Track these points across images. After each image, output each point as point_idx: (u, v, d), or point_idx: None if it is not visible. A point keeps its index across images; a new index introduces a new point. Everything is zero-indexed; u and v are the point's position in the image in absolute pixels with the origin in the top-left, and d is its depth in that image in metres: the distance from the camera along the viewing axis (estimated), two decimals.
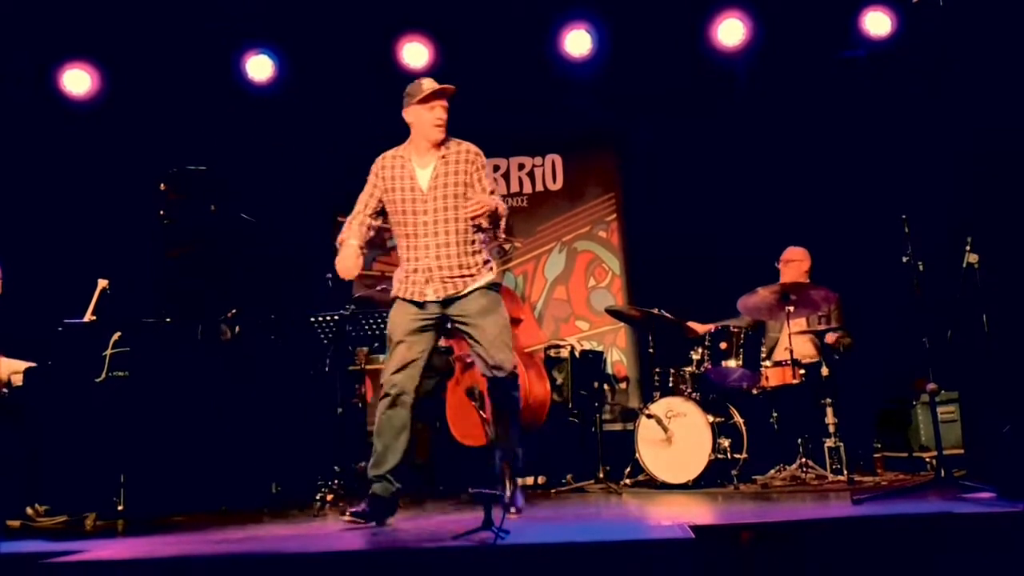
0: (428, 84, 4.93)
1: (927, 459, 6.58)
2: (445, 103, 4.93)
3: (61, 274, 7.15)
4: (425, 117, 4.90)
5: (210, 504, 6.14)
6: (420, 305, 4.86)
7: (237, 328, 6.18)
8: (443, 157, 4.94)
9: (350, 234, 4.94)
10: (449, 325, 4.96)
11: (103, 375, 5.54)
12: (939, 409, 6.11)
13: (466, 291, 4.84)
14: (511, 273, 8.02)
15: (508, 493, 4.72)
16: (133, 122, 7.95)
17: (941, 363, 5.27)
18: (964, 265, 5.33)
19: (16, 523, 5.54)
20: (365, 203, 5.00)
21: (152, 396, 5.65)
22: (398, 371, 4.85)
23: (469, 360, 6.48)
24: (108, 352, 5.56)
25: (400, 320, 4.89)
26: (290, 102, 8.05)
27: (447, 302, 4.85)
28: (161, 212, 6.05)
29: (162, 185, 6.02)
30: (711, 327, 6.72)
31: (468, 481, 6.50)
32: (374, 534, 4.43)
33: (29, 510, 5.66)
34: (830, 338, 6.47)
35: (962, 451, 6.57)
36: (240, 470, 6.30)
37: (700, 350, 6.66)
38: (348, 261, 4.82)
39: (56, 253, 7.61)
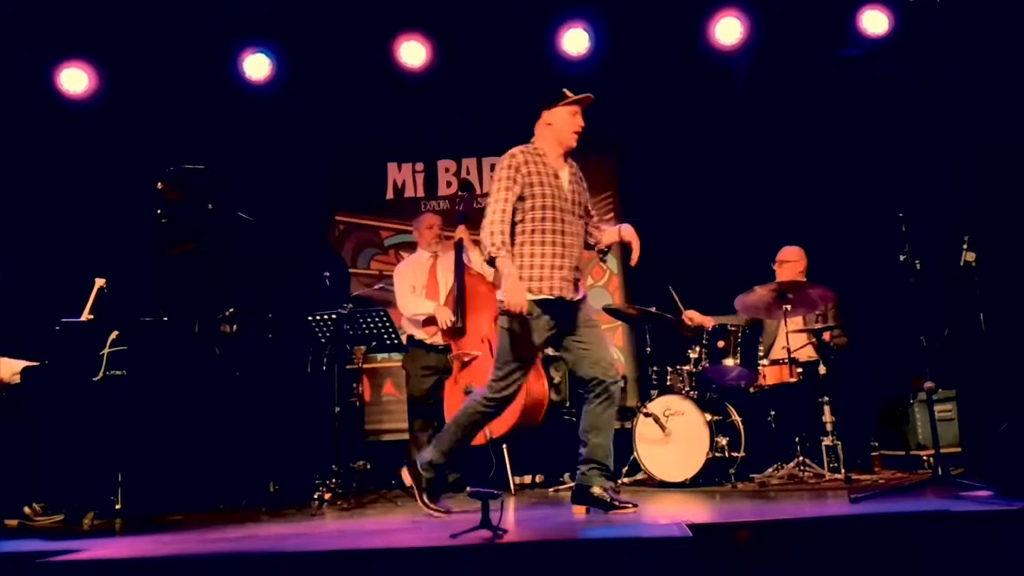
0: (570, 92, 4.94)
1: (924, 457, 6.58)
2: (580, 111, 4.96)
3: (58, 273, 7.15)
4: (569, 121, 4.92)
5: (208, 503, 6.16)
6: (559, 303, 4.80)
7: (235, 327, 6.18)
8: (570, 167, 5.00)
9: (508, 253, 4.71)
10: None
11: (101, 374, 5.53)
12: (936, 407, 6.12)
13: (581, 298, 4.93)
14: None
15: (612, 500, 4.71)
16: (130, 121, 7.94)
17: (938, 361, 5.28)
18: (961, 263, 5.34)
19: (14, 522, 5.54)
20: (505, 206, 4.73)
21: (150, 395, 5.64)
22: (516, 382, 4.87)
23: (467, 359, 6.48)
24: (106, 351, 5.56)
25: (536, 330, 4.77)
26: (287, 101, 8.05)
27: (571, 304, 4.86)
28: (159, 211, 6.03)
29: (159, 184, 6.01)
30: (710, 320, 6.71)
31: (467, 480, 6.54)
32: (372, 533, 4.44)
33: (27, 509, 5.66)
34: (826, 336, 6.48)
35: (959, 449, 6.57)
36: (238, 469, 6.31)
37: (698, 348, 6.66)
38: (521, 297, 4.62)
39: (53, 252, 7.61)
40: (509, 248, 4.71)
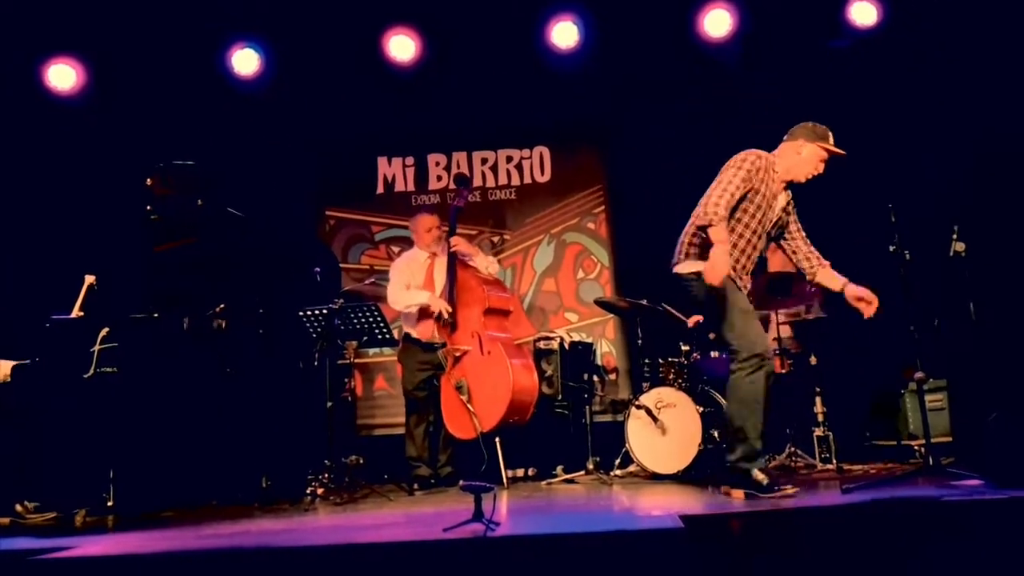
0: (832, 140, 5.06)
1: (916, 447, 6.61)
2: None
3: (48, 270, 7.12)
4: (812, 162, 5.03)
5: (200, 499, 6.16)
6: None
7: (225, 323, 6.16)
8: (787, 195, 5.11)
9: (725, 231, 4.75)
10: None
11: (91, 371, 5.51)
12: (927, 397, 6.15)
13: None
14: (500, 265, 8.03)
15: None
16: (119, 117, 7.91)
17: (929, 352, 5.30)
18: (951, 254, 5.36)
19: (6, 520, 5.53)
20: (734, 191, 4.80)
21: (141, 392, 5.62)
22: (758, 332, 4.85)
23: (458, 354, 6.49)
24: (96, 348, 5.54)
25: (742, 292, 4.92)
26: (277, 96, 8.02)
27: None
28: (148, 207, 6.01)
29: (149, 180, 5.99)
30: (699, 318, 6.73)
31: (460, 474, 6.55)
32: (364, 528, 4.44)
33: (18, 507, 5.65)
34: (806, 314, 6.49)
35: (950, 439, 6.59)
36: (230, 465, 6.30)
37: (690, 341, 6.67)
38: (726, 267, 4.65)
39: (43, 249, 7.58)
40: (725, 223, 4.75)
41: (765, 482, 4.62)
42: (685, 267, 4.97)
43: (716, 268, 4.59)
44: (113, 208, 7.43)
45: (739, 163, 4.88)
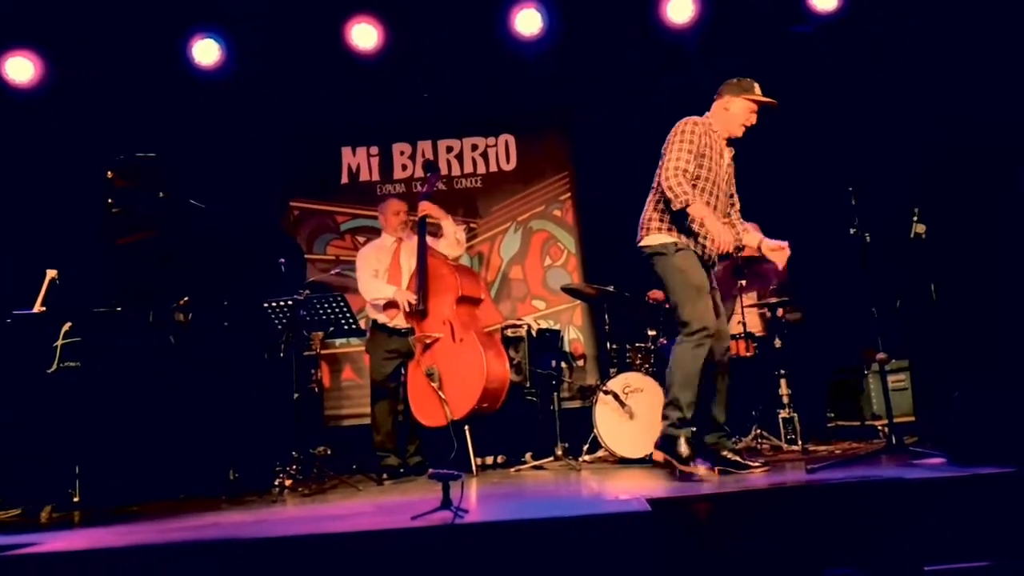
0: (758, 90, 5.18)
1: (879, 427, 6.69)
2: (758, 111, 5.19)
3: (9, 265, 7.05)
4: (743, 115, 5.18)
5: (168, 493, 6.11)
6: (700, 259, 5.05)
7: (189, 315, 6.13)
8: (730, 152, 5.29)
9: (702, 203, 4.92)
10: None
11: (54, 366, 5.47)
12: (889, 378, 6.20)
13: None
14: (467, 254, 8.02)
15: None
16: (79, 109, 7.82)
17: (890, 332, 5.35)
18: (911, 235, 5.41)
19: None
20: (685, 164, 4.98)
21: (105, 386, 5.59)
22: (707, 309, 4.97)
23: (429, 341, 6.48)
24: (59, 343, 5.50)
25: (699, 268, 5.01)
26: (239, 86, 7.95)
27: (708, 268, 5.11)
28: (109, 200, 5.96)
29: (109, 172, 5.94)
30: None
31: (429, 461, 6.56)
32: (333, 518, 4.44)
33: None
34: (780, 312, 6.55)
35: (913, 418, 6.68)
36: (197, 458, 6.27)
37: (655, 326, 6.71)
38: (729, 235, 4.88)
39: (3, 244, 7.49)
40: (696, 197, 4.90)
41: (684, 454, 4.89)
42: (648, 240, 5.10)
43: (720, 239, 4.80)
44: (74, 201, 7.36)
45: (681, 133, 5.05)
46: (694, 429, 4.98)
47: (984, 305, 6.67)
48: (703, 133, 5.07)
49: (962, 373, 5.63)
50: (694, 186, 5.00)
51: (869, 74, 7.65)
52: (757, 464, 4.97)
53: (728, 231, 4.89)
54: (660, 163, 5.09)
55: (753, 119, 5.18)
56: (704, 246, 5.06)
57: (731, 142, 5.26)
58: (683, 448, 4.89)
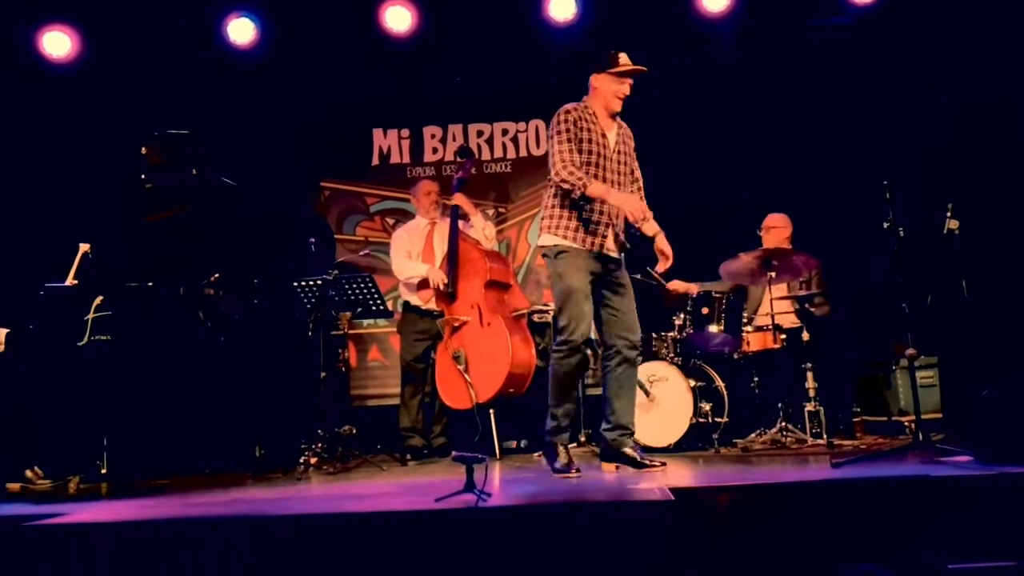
0: (625, 59, 5.13)
1: (906, 423, 6.64)
2: (631, 81, 5.14)
3: (43, 238, 7.11)
4: (615, 88, 5.10)
5: (193, 467, 6.18)
6: (598, 257, 5.00)
7: (220, 292, 6.17)
8: (618, 127, 5.22)
9: (598, 183, 4.91)
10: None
11: (85, 339, 5.53)
12: (918, 374, 6.14)
13: (623, 258, 5.13)
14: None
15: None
16: (114, 85, 7.85)
17: (920, 328, 5.31)
18: (944, 231, 5.37)
19: (16, 486, 5.56)
20: (570, 155, 4.94)
21: (134, 360, 5.63)
22: (583, 321, 4.91)
23: (457, 324, 6.50)
24: (90, 316, 5.55)
25: (581, 272, 4.94)
26: (272, 66, 7.96)
27: (611, 261, 5.05)
28: (143, 176, 6.00)
29: (144, 149, 5.98)
30: (695, 286, 6.75)
31: (454, 444, 6.58)
32: (356, 497, 4.46)
33: (28, 473, 5.68)
34: (809, 305, 6.51)
35: (940, 415, 6.63)
36: (224, 434, 6.33)
37: (682, 315, 6.69)
38: (641, 203, 4.95)
39: (38, 217, 7.55)
40: (591, 179, 4.87)
41: (559, 463, 4.91)
42: (541, 240, 5.09)
43: (630, 207, 4.83)
44: (108, 177, 7.40)
45: (556, 126, 5.01)
46: (567, 437, 5.04)
47: (1016, 303, 6.61)
48: (578, 119, 5.01)
49: (991, 371, 5.57)
50: (590, 174, 4.96)
51: (905, 65, 7.57)
52: (656, 463, 4.97)
53: (634, 198, 4.90)
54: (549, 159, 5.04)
55: (626, 89, 5.11)
56: (604, 238, 5.00)
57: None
58: (560, 455, 4.92)
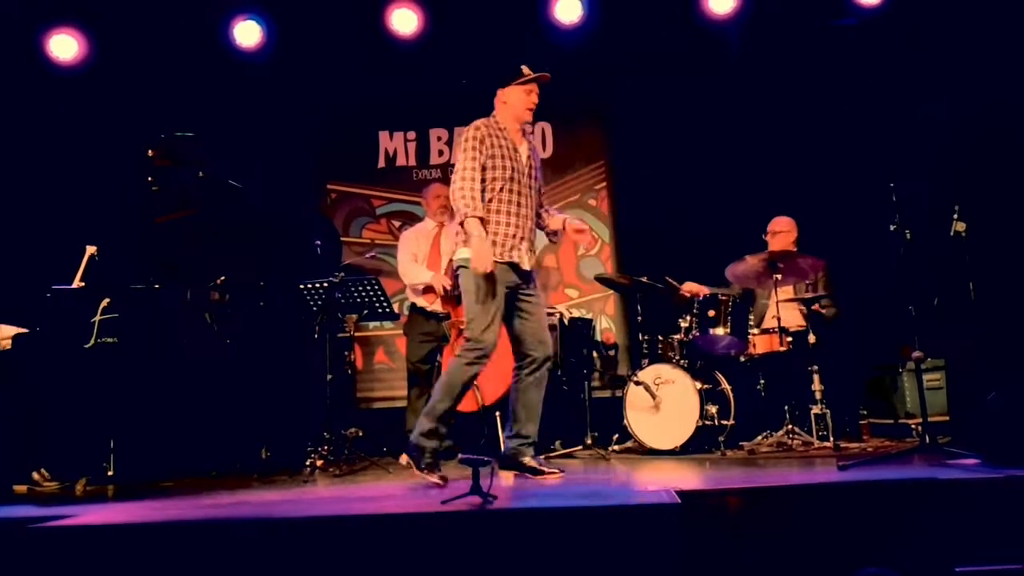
0: (527, 70, 5.22)
1: (912, 426, 6.63)
2: (538, 90, 5.22)
3: (49, 240, 7.12)
4: (523, 100, 5.20)
5: (200, 469, 6.17)
6: (514, 268, 5.05)
7: (226, 295, 6.17)
8: (528, 142, 5.30)
9: (477, 216, 4.92)
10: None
11: (92, 341, 5.53)
12: (925, 376, 6.16)
13: (533, 268, 5.18)
14: None
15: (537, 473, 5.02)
16: (121, 88, 7.89)
17: (927, 331, 5.30)
18: (951, 233, 5.36)
19: (23, 488, 5.57)
20: (473, 173, 4.99)
21: (141, 362, 5.63)
22: (492, 330, 4.95)
23: (462, 327, 6.49)
24: (97, 318, 5.55)
25: (496, 283, 4.96)
26: (279, 68, 7.99)
27: (524, 274, 5.10)
28: (149, 178, 6.01)
29: (150, 151, 5.98)
30: (707, 289, 6.74)
31: (459, 446, 6.57)
32: (363, 499, 4.46)
33: (35, 475, 5.69)
34: (816, 307, 6.50)
35: (947, 418, 6.62)
36: (230, 436, 6.32)
37: (688, 318, 6.69)
38: (488, 257, 4.85)
39: (45, 219, 7.57)
40: (480, 211, 4.94)
41: (423, 462, 4.90)
42: (459, 254, 5.10)
43: (478, 258, 4.81)
44: (114, 179, 7.43)
45: (463, 144, 5.08)
46: (443, 442, 5.05)
47: (1023, 306, 6.59)
48: (487, 135, 5.07)
49: (998, 374, 5.56)
50: (496, 188, 5.00)
51: (912, 69, 7.56)
52: (553, 472, 5.00)
53: (486, 256, 4.82)
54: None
55: (534, 98, 5.20)
56: (519, 251, 5.05)
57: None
58: (427, 458, 4.93)
